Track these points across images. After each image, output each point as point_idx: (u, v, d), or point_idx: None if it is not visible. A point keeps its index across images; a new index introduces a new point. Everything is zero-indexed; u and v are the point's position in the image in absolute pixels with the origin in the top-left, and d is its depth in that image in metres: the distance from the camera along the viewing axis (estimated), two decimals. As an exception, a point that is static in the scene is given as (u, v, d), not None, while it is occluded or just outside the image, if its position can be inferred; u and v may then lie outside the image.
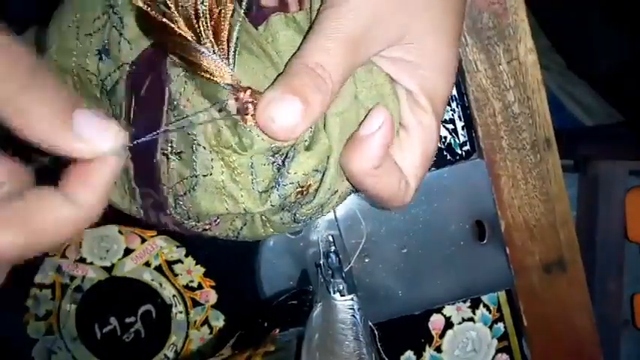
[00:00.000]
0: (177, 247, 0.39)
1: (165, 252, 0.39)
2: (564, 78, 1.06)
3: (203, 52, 0.24)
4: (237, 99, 0.24)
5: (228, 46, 0.24)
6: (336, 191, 0.28)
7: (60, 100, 0.20)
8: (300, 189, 0.27)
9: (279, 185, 0.26)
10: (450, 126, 0.38)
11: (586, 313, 0.42)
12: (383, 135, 0.26)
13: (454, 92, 0.37)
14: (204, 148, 0.26)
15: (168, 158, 0.27)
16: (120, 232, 0.39)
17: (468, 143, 0.38)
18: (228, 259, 0.39)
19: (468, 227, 0.39)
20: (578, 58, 1.05)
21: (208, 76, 0.24)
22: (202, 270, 0.40)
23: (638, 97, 0.92)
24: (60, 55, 0.28)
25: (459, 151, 0.38)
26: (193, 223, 0.29)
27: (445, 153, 0.38)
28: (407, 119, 0.28)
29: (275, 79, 0.25)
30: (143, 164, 0.27)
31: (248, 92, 0.24)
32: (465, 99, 0.38)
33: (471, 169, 0.38)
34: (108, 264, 0.39)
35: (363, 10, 0.25)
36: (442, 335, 0.41)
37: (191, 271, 0.40)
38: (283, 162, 0.26)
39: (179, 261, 0.39)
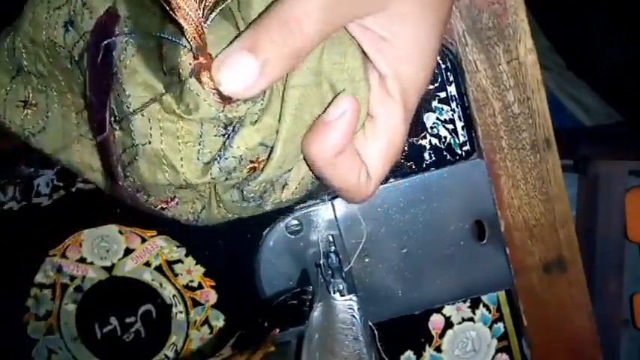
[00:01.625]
0: (178, 247, 0.39)
1: (165, 252, 0.39)
2: (564, 78, 1.06)
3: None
4: (195, 59, 0.23)
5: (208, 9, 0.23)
6: (289, 170, 0.27)
7: None
8: (250, 164, 0.26)
9: (220, 158, 0.25)
10: (450, 126, 0.38)
11: (586, 313, 0.42)
12: (346, 122, 0.24)
13: (454, 92, 0.37)
14: (142, 115, 0.25)
15: (112, 127, 0.26)
16: (120, 232, 0.39)
17: (467, 143, 0.38)
18: (229, 259, 0.39)
19: (468, 227, 0.39)
20: (577, 59, 1.05)
21: (182, 27, 0.22)
22: (202, 270, 0.40)
23: (638, 97, 0.92)
24: (33, 29, 0.28)
25: (459, 151, 0.38)
26: (145, 197, 0.28)
27: (445, 153, 0.38)
28: (375, 109, 0.27)
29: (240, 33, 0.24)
30: (100, 134, 0.27)
31: (207, 55, 0.23)
32: (465, 99, 0.38)
33: (471, 169, 0.38)
34: (108, 264, 0.39)
35: None
36: (442, 335, 0.41)
37: (191, 271, 0.40)
38: (232, 135, 0.25)
39: (179, 261, 0.39)
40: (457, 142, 0.38)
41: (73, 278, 0.40)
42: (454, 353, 0.42)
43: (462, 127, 0.38)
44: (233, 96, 0.23)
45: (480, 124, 0.38)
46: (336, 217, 0.37)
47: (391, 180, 0.38)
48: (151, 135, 0.25)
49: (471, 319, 0.41)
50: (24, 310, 0.40)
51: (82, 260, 0.39)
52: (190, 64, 0.23)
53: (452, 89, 0.37)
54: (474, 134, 0.38)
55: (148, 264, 0.39)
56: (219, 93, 0.23)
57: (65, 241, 0.39)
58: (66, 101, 0.30)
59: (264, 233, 0.38)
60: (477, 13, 0.36)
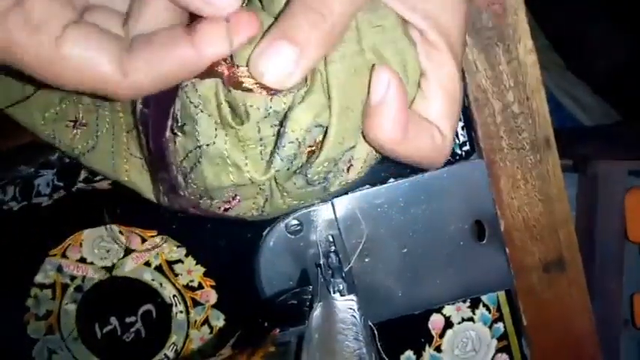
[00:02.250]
0: (178, 247, 0.39)
1: (165, 252, 0.39)
2: (564, 78, 1.06)
3: None
4: (222, 66, 0.23)
5: None
6: (353, 146, 0.26)
7: None
8: (309, 148, 0.26)
9: (278, 148, 0.25)
10: (450, 126, 0.38)
11: (585, 312, 0.42)
12: (394, 99, 0.24)
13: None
14: (209, 116, 0.25)
15: (174, 134, 0.26)
16: (120, 232, 0.39)
17: (467, 143, 0.38)
18: (229, 259, 0.39)
19: (468, 227, 0.39)
20: (577, 59, 1.05)
21: None
22: (202, 270, 0.40)
23: (637, 96, 0.92)
24: None
25: (459, 151, 0.38)
26: (208, 201, 0.28)
27: (445, 153, 0.38)
28: (424, 64, 0.26)
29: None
30: (155, 146, 0.27)
31: (228, 62, 0.23)
32: (465, 99, 0.38)
33: (471, 169, 0.38)
34: (108, 264, 0.39)
35: None
36: (442, 335, 0.41)
37: (191, 270, 0.40)
38: (282, 123, 0.25)
39: (179, 261, 0.39)
40: (457, 142, 0.38)
41: (73, 278, 0.40)
42: (454, 353, 0.42)
43: (462, 127, 0.38)
44: (276, 86, 0.23)
45: (479, 124, 0.38)
46: (336, 217, 0.37)
47: (391, 180, 0.38)
48: (215, 135, 0.25)
49: (471, 319, 0.41)
50: (24, 310, 0.40)
51: (83, 260, 0.39)
52: (223, 76, 0.23)
53: (452, 89, 0.37)
54: (473, 134, 0.38)
55: (148, 264, 0.39)
56: (262, 86, 0.23)
57: (65, 241, 0.39)
58: (117, 120, 0.30)
59: (264, 233, 0.38)
60: (476, 13, 0.36)
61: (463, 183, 0.38)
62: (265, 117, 0.25)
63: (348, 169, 0.28)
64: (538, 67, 0.37)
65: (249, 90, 0.24)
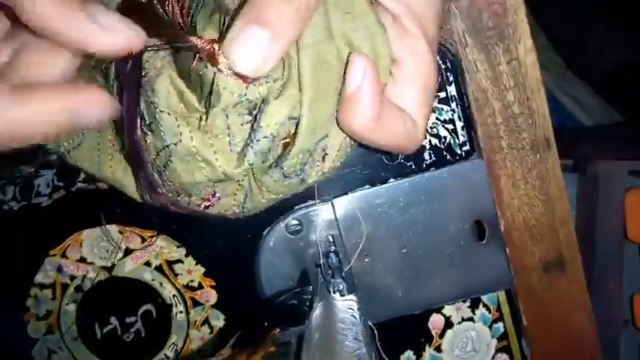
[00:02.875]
0: (178, 247, 0.39)
1: (165, 252, 0.39)
2: (564, 78, 1.06)
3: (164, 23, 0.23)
4: (202, 57, 0.23)
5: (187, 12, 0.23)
6: (326, 136, 0.26)
7: None
8: (283, 140, 0.25)
9: (252, 142, 0.25)
10: (450, 126, 0.38)
11: (585, 312, 0.42)
12: (370, 85, 0.23)
13: (454, 92, 0.38)
14: (168, 114, 0.25)
15: (144, 133, 0.26)
16: (120, 232, 0.39)
17: (467, 143, 0.38)
18: (229, 259, 0.39)
19: (468, 227, 0.39)
20: (577, 58, 1.05)
21: (177, 39, 0.23)
22: (202, 270, 0.40)
23: (637, 96, 0.92)
24: None
25: (459, 151, 0.38)
26: (187, 198, 0.28)
27: (445, 153, 0.38)
28: (397, 51, 0.25)
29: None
30: (130, 145, 0.27)
31: (213, 43, 0.22)
32: (465, 99, 0.38)
33: (471, 169, 0.38)
34: (108, 264, 0.39)
35: None
36: (442, 335, 0.41)
37: (191, 270, 0.40)
38: (256, 116, 0.25)
39: (179, 261, 0.39)
40: (457, 142, 0.38)
41: (73, 278, 0.40)
42: (454, 353, 0.42)
43: (462, 127, 0.38)
44: (251, 73, 0.22)
45: (479, 124, 0.38)
46: (336, 217, 0.37)
47: (391, 180, 0.38)
48: (180, 133, 0.25)
49: (471, 319, 0.41)
50: (24, 310, 0.40)
51: (82, 260, 0.39)
52: (201, 57, 0.23)
53: (452, 89, 0.37)
54: (473, 134, 0.38)
55: (148, 264, 0.39)
56: (238, 74, 0.23)
57: (65, 241, 0.39)
58: None
59: (264, 233, 0.38)
60: (476, 13, 0.36)
61: (463, 183, 0.38)
62: (237, 104, 0.24)
63: (323, 159, 0.27)
64: (538, 67, 0.37)
65: (220, 70, 0.23)
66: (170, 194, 0.28)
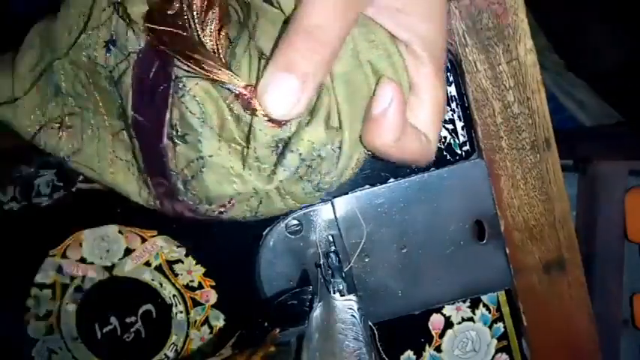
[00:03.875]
0: (178, 247, 0.39)
1: (165, 252, 0.39)
2: (563, 78, 1.06)
3: (207, 63, 0.24)
4: (238, 98, 0.24)
5: (222, 50, 0.25)
6: (353, 155, 0.28)
7: None
8: (312, 159, 0.27)
9: (282, 159, 0.26)
10: (450, 126, 0.38)
11: (585, 312, 0.42)
12: (396, 110, 0.26)
13: (454, 92, 0.38)
14: (211, 128, 0.26)
15: (174, 142, 0.27)
16: (120, 232, 0.39)
17: (467, 143, 0.38)
18: (229, 259, 0.39)
19: (468, 227, 0.39)
20: (577, 59, 1.05)
21: (216, 79, 0.25)
22: (202, 270, 0.40)
23: (638, 97, 0.92)
24: (73, 50, 0.28)
25: (459, 151, 0.38)
26: (206, 206, 0.28)
27: (445, 153, 0.38)
28: (411, 75, 0.28)
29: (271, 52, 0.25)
30: (151, 152, 0.27)
31: (249, 88, 0.24)
32: (465, 99, 0.38)
33: (471, 169, 0.38)
34: (108, 264, 0.39)
35: None
36: (442, 335, 0.41)
37: (191, 270, 0.40)
38: (287, 139, 0.26)
39: (179, 261, 0.39)
40: (457, 142, 0.38)
41: (73, 278, 0.40)
42: (454, 353, 0.42)
43: (462, 127, 0.38)
44: (283, 118, 0.24)
45: (479, 124, 0.38)
46: (336, 217, 0.37)
47: (391, 180, 0.38)
48: (219, 148, 0.26)
49: (471, 319, 0.41)
50: (24, 310, 0.40)
51: (82, 260, 0.39)
52: (238, 99, 0.25)
53: (452, 89, 0.37)
54: (473, 134, 0.38)
55: (148, 264, 0.39)
56: (271, 120, 0.24)
57: (65, 241, 0.39)
58: (101, 123, 0.30)
59: (264, 233, 0.38)
60: (476, 13, 0.36)
61: (463, 183, 0.38)
62: (269, 142, 0.26)
63: (343, 172, 0.29)
64: (538, 67, 0.37)
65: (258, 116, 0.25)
66: (190, 202, 0.28)
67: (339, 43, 0.24)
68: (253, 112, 0.25)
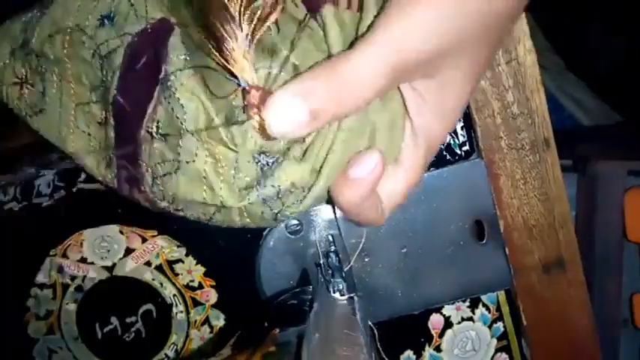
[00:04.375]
0: (178, 246, 0.39)
1: (165, 252, 0.39)
2: (563, 78, 1.06)
3: (237, 39, 0.23)
4: (246, 95, 0.24)
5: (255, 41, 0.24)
6: (319, 198, 0.28)
7: None
8: (285, 192, 0.27)
9: (260, 185, 0.26)
10: (450, 126, 0.38)
11: (585, 312, 0.42)
12: (374, 178, 0.26)
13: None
14: (192, 134, 0.26)
15: (152, 137, 0.26)
16: (121, 231, 0.39)
17: (467, 143, 0.38)
18: (229, 259, 0.39)
19: (468, 227, 0.39)
20: (576, 59, 1.05)
21: (229, 64, 0.23)
22: (203, 270, 0.40)
23: (637, 97, 0.92)
24: (62, 13, 0.28)
25: (459, 152, 0.38)
26: (166, 203, 0.28)
27: (445, 153, 0.38)
28: (402, 155, 0.28)
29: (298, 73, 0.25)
30: (125, 136, 0.27)
31: (259, 92, 0.24)
32: (465, 99, 0.38)
33: (471, 169, 0.38)
34: (109, 264, 0.39)
35: (431, 35, 0.23)
36: (442, 334, 0.41)
37: (191, 270, 0.40)
38: (271, 164, 0.26)
39: (180, 261, 0.39)
40: (457, 142, 0.38)
41: (73, 278, 0.40)
42: (454, 353, 0.42)
43: (462, 128, 0.38)
44: (277, 137, 0.24)
45: (479, 125, 0.38)
46: (336, 217, 0.37)
47: (391, 180, 0.38)
48: (196, 155, 0.26)
49: (471, 319, 0.41)
50: (25, 310, 0.40)
51: (83, 260, 0.39)
52: (245, 98, 0.24)
53: (451, 89, 0.37)
54: (473, 134, 0.38)
55: (148, 264, 0.40)
56: (264, 129, 0.24)
57: (66, 241, 0.39)
58: (67, 89, 0.30)
59: (264, 233, 0.38)
60: (476, 13, 0.36)
61: (463, 183, 0.38)
62: (254, 150, 0.26)
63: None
64: (537, 68, 0.37)
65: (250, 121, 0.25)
66: (152, 195, 0.28)
67: (364, 104, 0.24)
68: (250, 115, 0.24)
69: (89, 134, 0.30)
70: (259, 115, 0.24)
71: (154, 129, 0.26)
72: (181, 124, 0.26)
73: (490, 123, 0.38)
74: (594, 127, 1.04)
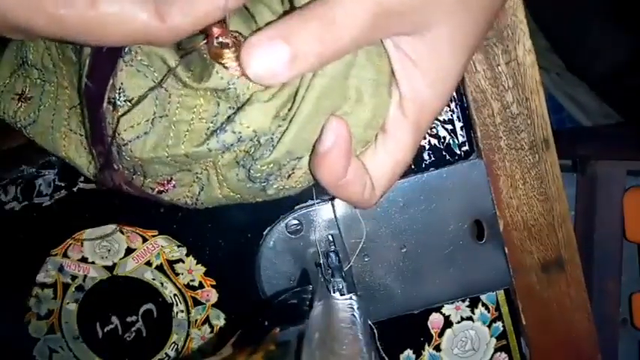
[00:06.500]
0: (179, 246, 0.39)
1: (166, 251, 0.39)
2: (562, 79, 1.06)
3: None
4: (209, 36, 0.23)
5: None
6: (300, 158, 0.27)
7: None
8: (250, 142, 0.26)
9: (221, 130, 0.25)
10: (449, 126, 0.38)
11: (584, 312, 0.42)
12: (338, 154, 0.25)
13: (453, 93, 0.38)
14: (162, 87, 0.25)
15: (115, 106, 0.26)
16: (121, 231, 0.39)
17: (466, 143, 0.38)
18: (229, 259, 0.39)
19: (467, 227, 0.39)
20: (576, 59, 1.05)
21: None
22: (203, 269, 0.40)
23: (636, 97, 0.92)
24: None
25: (458, 152, 0.38)
26: (141, 178, 0.28)
27: (444, 153, 0.38)
28: (390, 125, 0.27)
29: (282, 15, 0.23)
30: (94, 118, 0.27)
31: (227, 34, 0.23)
32: (464, 99, 0.38)
33: (470, 169, 0.38)
34: (109, 263, 0.40)
35: None
36: (441, 334, 0.41)
37: (192, 270, 0.40)
38: (234, 109, 0.25)
39: (180, 260, 0.40)
40: (456, 142, 0.38)
41: (74, 277, 0.40)
42: (453, 352, 0.42)
43: (461, 128, 0.38)
44: (256, 80, 0.23)
45: (478, 125, 0.38)
46: (336, 217, 0.38)
47: (391, 180, 0.38)
48: (168, 109, 0.25)
49: (470, 318, 0.41)
50: (25, 310, 0.40)
51: (84, 260, 0.39)
52: (211, 42, 0.23)
53: (451, 90, 0.37)
54: (472, 134, 0.38)
55: (149, 263, 0.40)
56: (243, 73, 0.23)
57: (67, 240, 0.39)
58: (62, 95, 0.30)
59: (264, 233, 0.38)
60: (476, 14, 0.36)
61: (462, 183, 0.38)
62: (221, 89, 0.24)
63: (288, 176, 0.28)
64: (537, 68, 0.37)
65: (224, 64, 0.23)
66: (126, 171, 0.28)
67: (346, 49, 0.23)
68: (220, 55, 0.23)
69: (81, 135, 0.30)
70: (235, 56, 0.23)
71: (116, 97, 0.26)
72: (146, 76, 0.25)
73: (490, 123, 0.38)
74: (594, 127, 1.05)
